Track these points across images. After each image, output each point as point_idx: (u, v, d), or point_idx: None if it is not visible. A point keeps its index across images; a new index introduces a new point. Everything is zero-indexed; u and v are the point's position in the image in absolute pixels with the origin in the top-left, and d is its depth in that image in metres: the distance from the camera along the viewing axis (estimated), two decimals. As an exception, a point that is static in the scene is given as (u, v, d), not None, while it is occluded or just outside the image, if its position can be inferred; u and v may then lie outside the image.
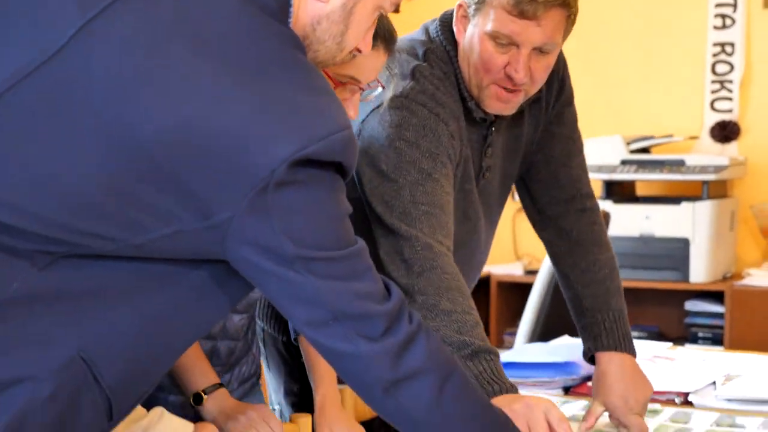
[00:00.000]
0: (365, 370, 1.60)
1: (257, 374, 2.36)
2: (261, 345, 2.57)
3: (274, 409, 2.57)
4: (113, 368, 1.58)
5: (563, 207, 2.50)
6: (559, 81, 2.45)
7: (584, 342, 2.44)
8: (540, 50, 2.18)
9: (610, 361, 2.39)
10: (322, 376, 2.26)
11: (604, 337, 2.41)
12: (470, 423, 1.67)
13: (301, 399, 2.51)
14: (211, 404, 2.10)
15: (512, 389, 2.03)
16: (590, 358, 2.43)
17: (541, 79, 2.24)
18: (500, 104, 2.26)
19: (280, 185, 1.49)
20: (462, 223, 2.36)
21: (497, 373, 2.04)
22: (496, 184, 2.44)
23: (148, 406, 1.90)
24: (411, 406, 1.63)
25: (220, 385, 2.12)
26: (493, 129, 2.35)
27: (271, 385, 2.58)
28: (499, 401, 1.99)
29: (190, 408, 2.18)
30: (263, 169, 1.48)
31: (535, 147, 2.47)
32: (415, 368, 1.61)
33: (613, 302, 2.43)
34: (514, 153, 2.44)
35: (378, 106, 2.18)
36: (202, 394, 2.10)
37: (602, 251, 2.48)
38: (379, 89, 1.80)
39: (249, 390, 2.32)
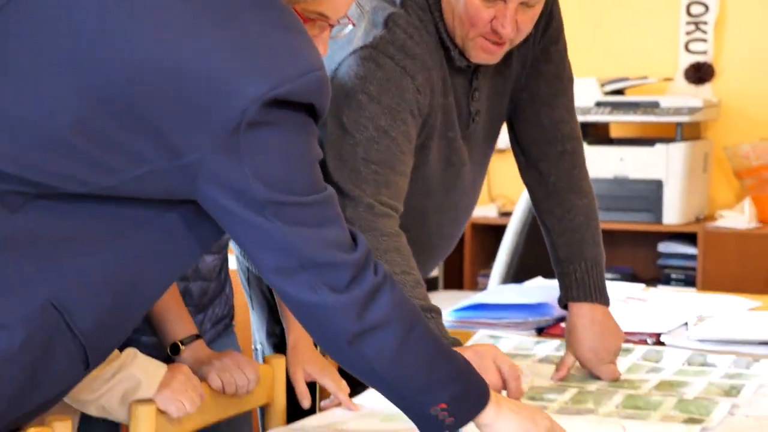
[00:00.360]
0: (330, 321, 1.60)
1: (230, 315, 2.36)
2: (245, 285, 2.58)
3: (255, 349, 2.57)
4: (86, 315, 1.58)
5: (543, 149, 2.46)
6: (546, 15, 2.39)
7: (560, 291, 2.45)
8: (526, 4, 2.15)
9: (581, 312, 2.39)
10: (295, 320, 2.25)
11: (574, 288, 2.41)
12: (433, 372, 1.68)
13: (282, 341, 2.51)
14: (187, 354, 2.09)
15: (455, 344, 2.04)
16: (565, 306, 2.44)
17: (527, 29, 2.22)
18: (486, 55, 2.24)
19: (251, 126, 1.48)
20: (445, 170, 2.35)
21: (440, 331, 2.06)
22: (484, 127, 2.42)
23: (121, 346, 1.90)
24: (375, 357, 1.63)
25: (198, 336, 2.12)
26: (479, 74, 2.33)
27: (254, 324, 2.58)
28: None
29: (162, 348, 2.18)
30: (235, 108, 1.46)
31: (522, 85, 2.44)
32: (380, 320, 1.62)
33: (587, 252, 2.42)
34: (502, 94, 2.41)
35: (353, 52, 2.16)
36: (180, 345, 2.10)
37: (579, 198, 2.45)
38: (350, 27, 1.78)
39: (222, 331, 2.31)
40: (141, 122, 1.48)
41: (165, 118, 1.47)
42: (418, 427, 1.73)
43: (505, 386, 2.00)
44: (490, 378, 1.94)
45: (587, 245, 2.42)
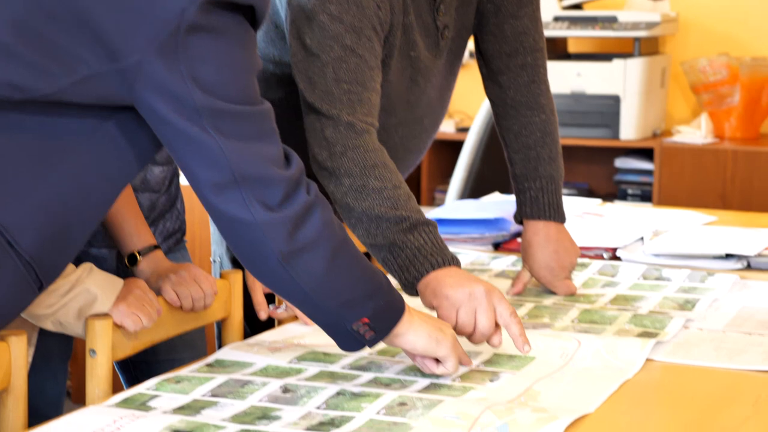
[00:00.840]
0: (261, 240, 1.60)
1: (182, 230, 2.35)
2: None
3: (214, 262, 2.57)
4: (29, 234, 1.56)
5: (505, 62, 2.44)
6: None
7: (516, 208, 2.45)
8: None
9: (535, 230, 2.40)
10: None
11: (528, 205, 2.41)
12: (357, 289, 1.70)
13: None
14: (145, 265, 2.09)
15: (454, 261, 2.02)
16: (521, 222, 2.45)
17: None
18: None
19: (191, 30, 1.46)
20: (409, 88, 2.33)
21: (438, 245, 2.03)
22: (452, 40, 2.40)
23: (75, 260, 1.89)
24: (303, 276, 1.64)
25: (156, 246, 2.11)
26: None
27: (214, 237, 2.58)
28: (441, 278, 1.99)
29: (113, 261, 2.18)
30: (173, 9, 1.45)
31: None
32: (311, 239, 1.62)
33: (542, 169, 2.42)
34: (468, 5, 2.38)
35: None
36: (137, 255, 2.09)
37: (537, 113, 2.44)
38: None
39: (173, 246, 2.31)
40: (80, 24, 1.46)
41: (104, 19, 1.45)
42: (339, 344, 1.76)
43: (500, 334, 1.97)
44: (482, 321, 1.93)
45: (543, 162, 2.42)
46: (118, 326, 1.89)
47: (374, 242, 2.05)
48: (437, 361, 1.82)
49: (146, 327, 1.92)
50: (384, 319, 1.75)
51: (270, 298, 2.24)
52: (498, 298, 1.94)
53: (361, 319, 1.72)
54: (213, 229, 2.59)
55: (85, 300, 1.86)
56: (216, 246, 2.57)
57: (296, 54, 2.14)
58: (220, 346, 2.38)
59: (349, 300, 1.70)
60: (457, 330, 1.93)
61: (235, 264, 2.52)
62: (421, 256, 2.01)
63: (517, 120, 2.44)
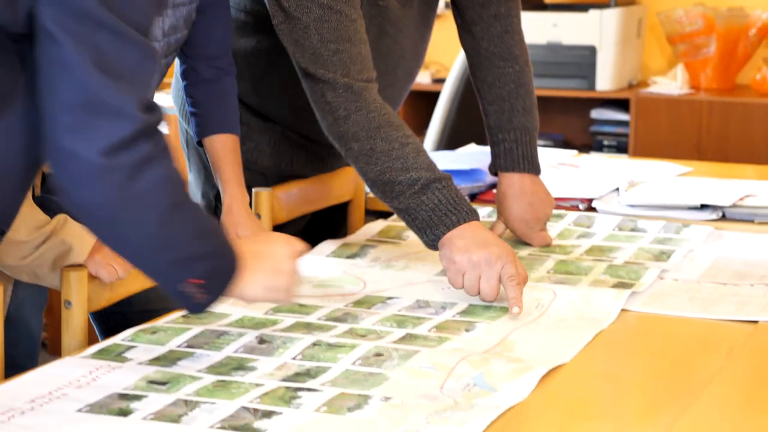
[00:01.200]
0: (96, 182, 1.50)
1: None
2: (184, 147, 2.56)
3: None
4: None
5: (478, 12, 2.43)
6: None
7: (491, 159, 2.45)
8: None
9: (510, 182, 2.39)
10: (228, 179, 2.25)
11: (502, 157, 2.41)
12: (191, 249, 1.61)
13: (216, 203, 2.51)
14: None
15: (470, 216, 2.03)
16: (496, 174, 2.45)
17: None
18: None
19: None
20: (379, 37, 2.32)
21: (453, 201, 2.04)
22: None
23: (49, 211, 1.88)
24: (134, 229, 1.56)
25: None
26: None
27: (190, 186, 2.57)
28: (453, 240, 2.00)
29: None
30: None
31: None
32: (147, 192, 1.53)
33: (516, 120, 2.41)
34: None
35: None
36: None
37: (510, 64, 2.43)
38: None
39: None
40: None
41: None
42: (175, 302, 1.67)
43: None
44: (484, 288, 1.94)
45: (517, 114, 2.41)
46: (93, 277, 1.89)
47: (392, 205, 2.08)
48: None
49: (122, 278, 1.91)
50: (217, 281, 1.65)
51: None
52: (505, 262, 1.94)
53: (190, 280, 1.62)
54: (190, 178, 2.57)
55: (60, 251, 1.85)
56: (192, 196, 2.56)
57: (276, 16, 2.13)
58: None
59: (181, 259, 1.61)
60: (466, 291, 1.96)
61: (210, 211, 2.51)
62: (436, 217, 2.03)
63: (490, 71, 2.43)
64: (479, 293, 1.95)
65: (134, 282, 2.00)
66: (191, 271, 1.61)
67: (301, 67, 2.14)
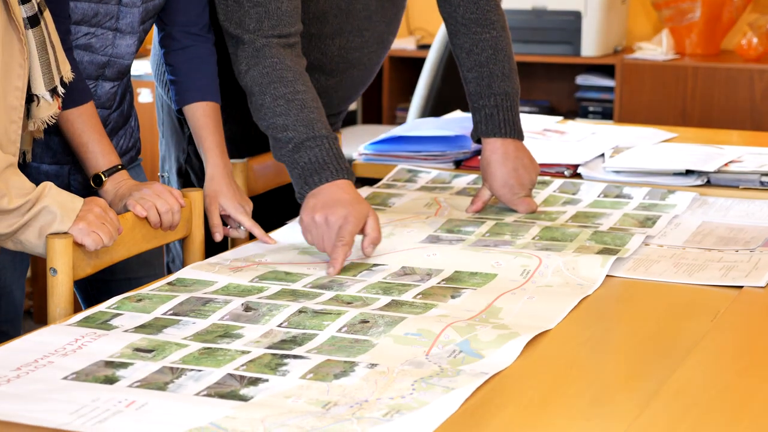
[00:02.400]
0: None
1: (137, 148, 2.33)
2: (159, 110, 2.55)
3: (161, 176, 2.56)
4: None
5: None
6: None
7: (473, 126, 2.45)
8: None
9: (493, 148, 2.39)
10: (210, 147, 2.24)
11: (484, 123, 2.41)
12: None
13: (187, 169, 2.50)
14: (110, 185, 2.08)
15: (336, 175, 2.08)
16: (479, 141, 2.44)
17: None
18: None
19: None
20: None
21: (322, 161, 2.09)
22: None
23: (32, 179, 1.87)
24: None
25: (121, 167, 2.09)
26: None
27: (162, 151, 2.56)
28: (308, 200, 2.07)
29: (66, 177, 2.16)
30: None
31: None
32: None
33: (496, 86, 2.41)
34: None
35: None
36: (102, 176, 2.07)
37: (487, 30, 2.42)
38: None
39: (128, 163, 2.29)
40: None
41: None
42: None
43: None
44: (321, 248, 2.03)
45: (496, 79, 2.41)
46: (78, 245, 1.88)
47: (277, 159, 2.16)
48: None
49: (107, 245, 1.91)
50: None
51: (225, 222, 2.23)
52: (344, 223, 2.01)
53: None
54: (161, 143, 2.57)
55: (45, 219, 1.85)
56: (165, 161, 2.56)
57: None
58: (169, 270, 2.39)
59: None
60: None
61: (180, 176, 2.51)
62: (305, 175, 2.09)
63: (468, 38, 2.43)
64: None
65: (119, 249, 2.00)
66: None
67: (222, 27, 2.22)
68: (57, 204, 1.86)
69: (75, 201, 1.89)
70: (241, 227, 2.20)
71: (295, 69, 2.17)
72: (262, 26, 2.16)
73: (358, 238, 2.06)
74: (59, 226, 1.86)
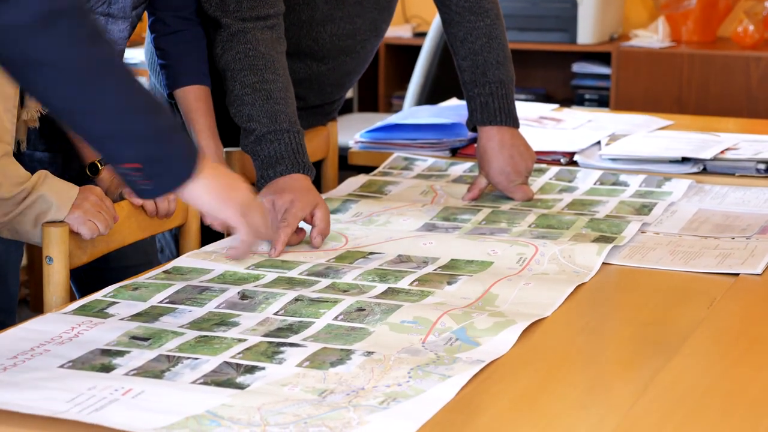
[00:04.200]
0: (6, 39, 1.44)
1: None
2: None
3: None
4: None
5: None
6: None
7: (468, 115, 2.45)
8: None
9: (489, 136, 2.39)
10: (202, 129, 2.24)
11: (479, 111, 2.41)
12: (122, 124, 1.55)
13: None
14: (106, 174, 2.08)
15: (291, 169, 2.09)
16: (474, 129, 2.44)
17: None
18: None
19: None
20: None
21: (278, 155, 2.10)
22: None
23: (27, 167, 1.87)
24: (47, 94, 1.50)
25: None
26: None
27: None
28: (265, 189, 2.08)
29: (60, 165, 2.16)
30: None
31: None
32: (53, 52, 1.46)
33: (491, 74, 2.41)
34: None
35: None
36: (98, 165, 2.07)
37: (481, 18, 2.43)
38: None
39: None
40: None
41: None
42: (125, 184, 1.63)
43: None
44: (290, 222, 2.02)
45: (491, 67, 2.41)
46: (74, 233, 1.88)
47: (242, 149, 2.16)
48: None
49: (103, 234, 1.91)
50: (159, 169, 1.59)
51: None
52: (289, 209, 2.02)
53: (129, 163, 1.56)
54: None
55: (41, 207, 1.85)
56: None
57: None
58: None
59: (107, 133, 1.54)
60: None
61: None
62: (262, 168, 2.11)
63: (462, 26, 2.43)
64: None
65: (115, 238, 2.00)
66: (125, 151, 1.56)
67: (203, 8, 2.23)
68: (53, 192, 1.86)
69: (71, 189, 1.89)
70: None
71: (268, 56, 2.16)
72: (241, 7, 2.17)
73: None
74: (55, 214, 1.86)
